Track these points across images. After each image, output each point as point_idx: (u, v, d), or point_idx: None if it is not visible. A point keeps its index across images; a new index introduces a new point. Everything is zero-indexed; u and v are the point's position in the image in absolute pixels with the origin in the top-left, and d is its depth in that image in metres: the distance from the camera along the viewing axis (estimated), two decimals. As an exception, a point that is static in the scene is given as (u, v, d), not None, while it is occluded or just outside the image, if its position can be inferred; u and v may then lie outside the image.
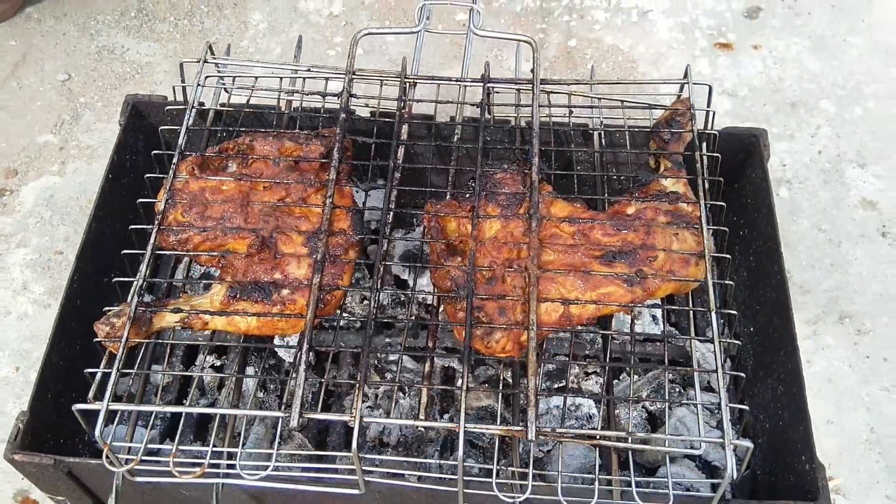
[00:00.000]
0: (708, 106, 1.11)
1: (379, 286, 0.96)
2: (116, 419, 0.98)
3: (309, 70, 1.14)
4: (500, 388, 1.00)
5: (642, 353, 1.19)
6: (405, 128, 1.11)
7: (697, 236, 1.01)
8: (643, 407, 1.18)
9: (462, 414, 0.88)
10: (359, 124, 1.18)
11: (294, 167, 1.07)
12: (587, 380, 1.22)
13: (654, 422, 1.19)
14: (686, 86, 1.13)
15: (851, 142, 2.00)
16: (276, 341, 1.20)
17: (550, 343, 1.18)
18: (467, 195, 1.04)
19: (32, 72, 2.09)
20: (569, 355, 1.13)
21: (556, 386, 1.19)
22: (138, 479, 0.96)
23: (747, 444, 0.87)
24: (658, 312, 1.23)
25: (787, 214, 1.86)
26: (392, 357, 1.21)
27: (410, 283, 1.25)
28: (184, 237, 1.01)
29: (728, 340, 0.98)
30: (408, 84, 1.14)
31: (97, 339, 0.96)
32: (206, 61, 1.15)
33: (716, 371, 0.93)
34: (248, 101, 1.16)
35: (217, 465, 0.94)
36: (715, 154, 1.08)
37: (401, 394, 1.17)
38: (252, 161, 1.07)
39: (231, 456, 0.95)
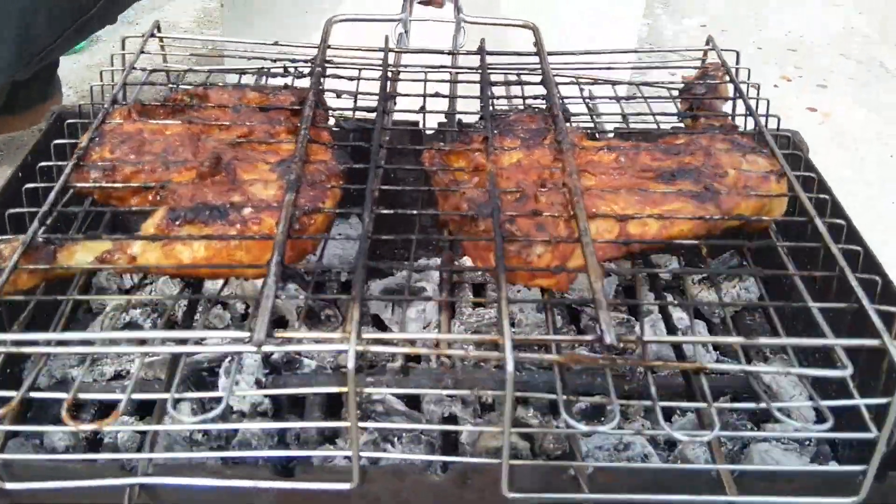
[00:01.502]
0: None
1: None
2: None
3: (276, 43, 0.97)
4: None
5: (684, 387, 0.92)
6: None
7: (770, 159, 0.81)
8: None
9: (506, 326, 0.60)
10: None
11: (259, 112, 0.85)
12: (632, 421, 0.93)
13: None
14: (711, 53, 0.99)
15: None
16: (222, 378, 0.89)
17: (577, 375, 0.91)
18: (476, 129, 0.83)
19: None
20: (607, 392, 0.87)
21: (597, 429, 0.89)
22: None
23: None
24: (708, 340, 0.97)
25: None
26: (376, 397, 0.91)
27: (392, 318, 0.98)
28: (110, 169, 0.76)
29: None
30: (391, 54, 0.97)
31: (-28, 271, 0.66)
32: (152, 35, 0.97)
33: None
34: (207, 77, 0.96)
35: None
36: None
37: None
38: (206, 109, 0.86)
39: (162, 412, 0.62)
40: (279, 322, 1.01)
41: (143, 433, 0.68)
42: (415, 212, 0.73)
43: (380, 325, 1.03)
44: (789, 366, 0.95)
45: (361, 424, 0.62)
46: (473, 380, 0.93)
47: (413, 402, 0.92)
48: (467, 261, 1.10)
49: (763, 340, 0.60)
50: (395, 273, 1.05)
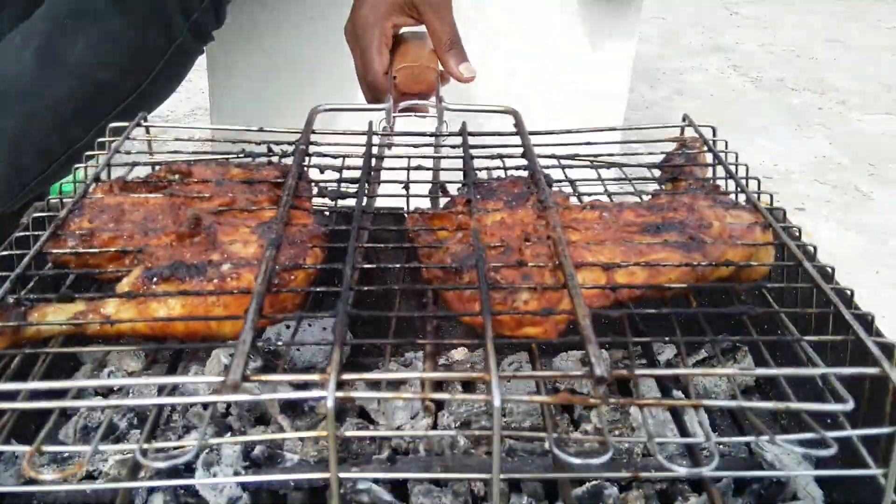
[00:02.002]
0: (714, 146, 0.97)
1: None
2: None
3: (261, 129, 0.98)
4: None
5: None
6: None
7: (753, 213, 0.80)
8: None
9: (492, 364, 0.58)
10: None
11: (242, 185, 0.85)
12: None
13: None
14: (687, 129, 1.01)
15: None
16: (199, 475, 0.84)
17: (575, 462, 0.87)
18: (459, 194, 0.83)
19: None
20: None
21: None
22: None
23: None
24: (705, 418, 0.94)
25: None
26: (361, 486, 0.86)
27: (377, 409, 0.94)
28: (88, 235, 0.75)
29: None
30: (375, 137, 0.98)
31: (-61, 330, 0.64)
32: (138, 124, 0.98)
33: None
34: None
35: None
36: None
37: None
38: (189, 183, 0.86)
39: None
40: (260, 419, 0.97)
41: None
42: (398, 265, 0.72)
43: (365, 416, 0.99)
44: (792, 446, 0.92)
45: (342, 475, 0.58)
46: (463, 466, 0.89)
47: (401, 494, 0.88)
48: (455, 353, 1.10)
49: (758, 371, 0.58)
50: (380, 366, 1.03)
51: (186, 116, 2.76)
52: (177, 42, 1.30)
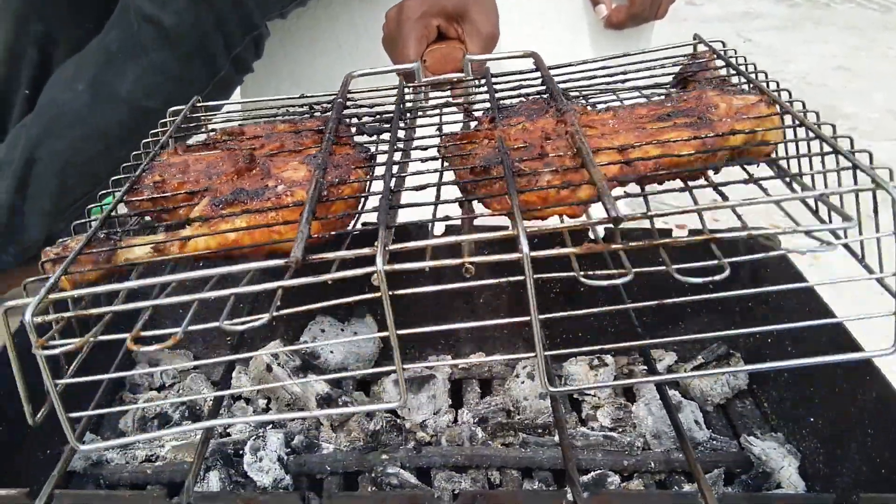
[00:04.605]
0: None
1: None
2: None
3: (302, 96, 1.08)
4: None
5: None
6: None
7: (760, 96, 0.86)
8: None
9: (520, 224, 0.65)
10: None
11: (289, 133, 0.95)
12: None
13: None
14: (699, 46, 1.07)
15: None
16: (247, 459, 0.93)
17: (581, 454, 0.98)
18: (484, 114, 0.91)
19: None
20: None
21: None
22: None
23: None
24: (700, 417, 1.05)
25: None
26: (391, 470, 0.98)
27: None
28: (160, 182, 0.85)
29: None
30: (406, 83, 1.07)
31: (42, 261, 0.74)
32: (193, 106, 1.09)
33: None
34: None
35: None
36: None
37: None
38: (243, 140, 0.95)
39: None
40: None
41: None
42: (434, 170, 0.80)
43: (393, 413, 1.09)
44: (780, 443, 0.99)
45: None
46: (481, 457, 1.01)
47: (425, 480, 1.00)
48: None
49: (762, 199, 0.63)
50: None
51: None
52: (219, 75, 1.39)
